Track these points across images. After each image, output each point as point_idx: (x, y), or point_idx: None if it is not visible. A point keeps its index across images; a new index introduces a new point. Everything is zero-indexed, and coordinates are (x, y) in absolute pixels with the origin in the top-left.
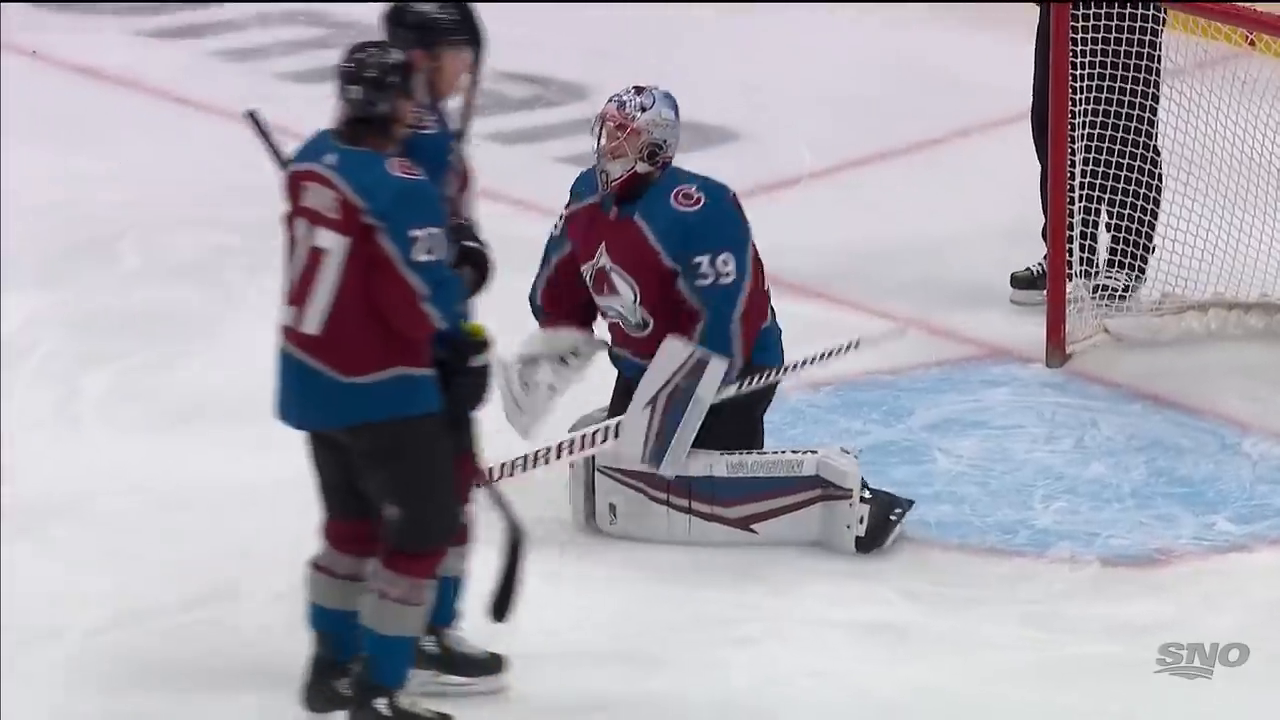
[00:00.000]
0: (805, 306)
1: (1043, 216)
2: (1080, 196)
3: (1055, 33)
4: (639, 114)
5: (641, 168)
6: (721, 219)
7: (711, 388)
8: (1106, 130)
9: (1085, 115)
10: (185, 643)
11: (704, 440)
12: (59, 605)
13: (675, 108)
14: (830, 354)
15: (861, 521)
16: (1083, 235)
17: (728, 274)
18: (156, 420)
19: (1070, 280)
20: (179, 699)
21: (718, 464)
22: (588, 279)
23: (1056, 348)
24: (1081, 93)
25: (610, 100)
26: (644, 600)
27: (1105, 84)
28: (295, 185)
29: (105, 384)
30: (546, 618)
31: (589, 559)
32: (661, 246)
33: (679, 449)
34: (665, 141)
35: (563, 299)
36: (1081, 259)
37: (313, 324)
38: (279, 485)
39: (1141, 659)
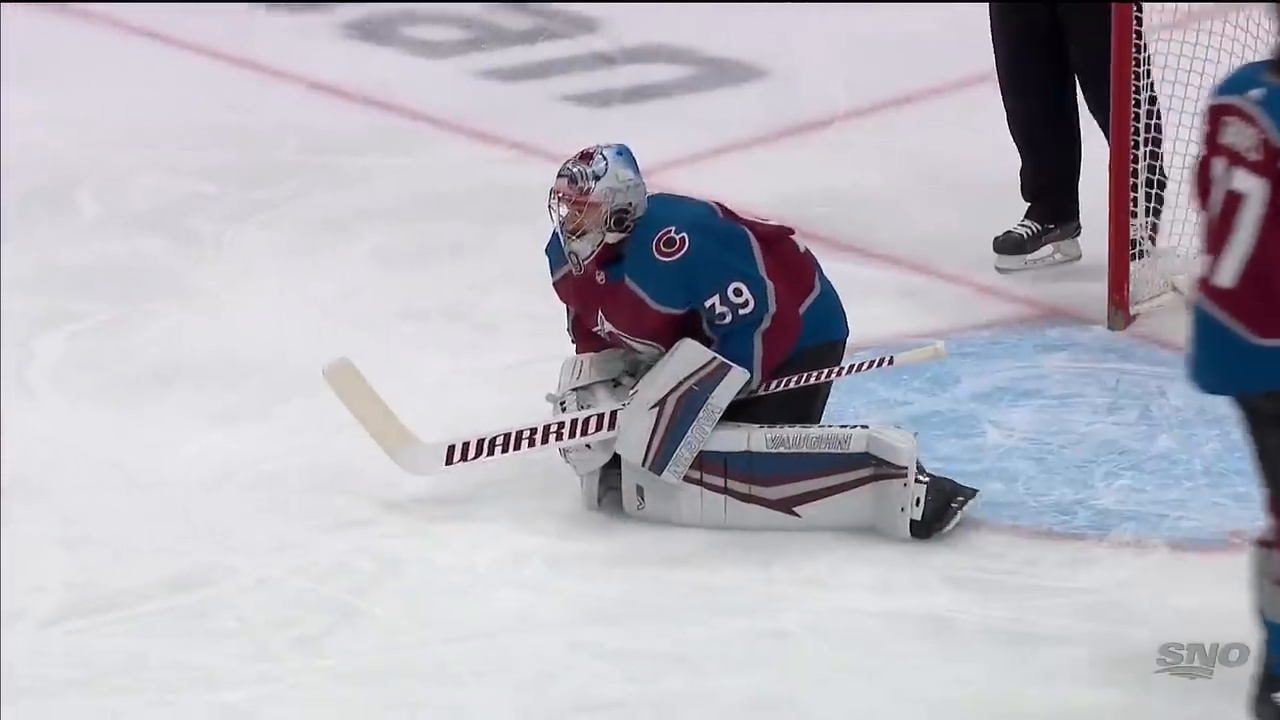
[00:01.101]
0: (839, 262)
1: (1022, 167)
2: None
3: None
4: (593, 184)
5: (612, 237)
6: (711, 253)
7: (728, 396)
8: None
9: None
10: (153, 635)
11: (753, 415)
12: (12, 591)
13: (632, 162)
14: (856, 367)
15: (918, 503)
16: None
17: (745, 303)
18: (120, 388)
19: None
20: (146, 699)
21: (755, 438)
22: (604, 336)
23: (1120, 308)
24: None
25: (559, 175)
26: (660, 590)
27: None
28: (1215, 120)
29: (63, 348)
30: (549, 609)
31: (596, 543)
32: (661, 304)
33: (686, 456)
34: (630, 204)
35: (596, 335)
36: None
37: (1226, 276)
38: (258, 460)
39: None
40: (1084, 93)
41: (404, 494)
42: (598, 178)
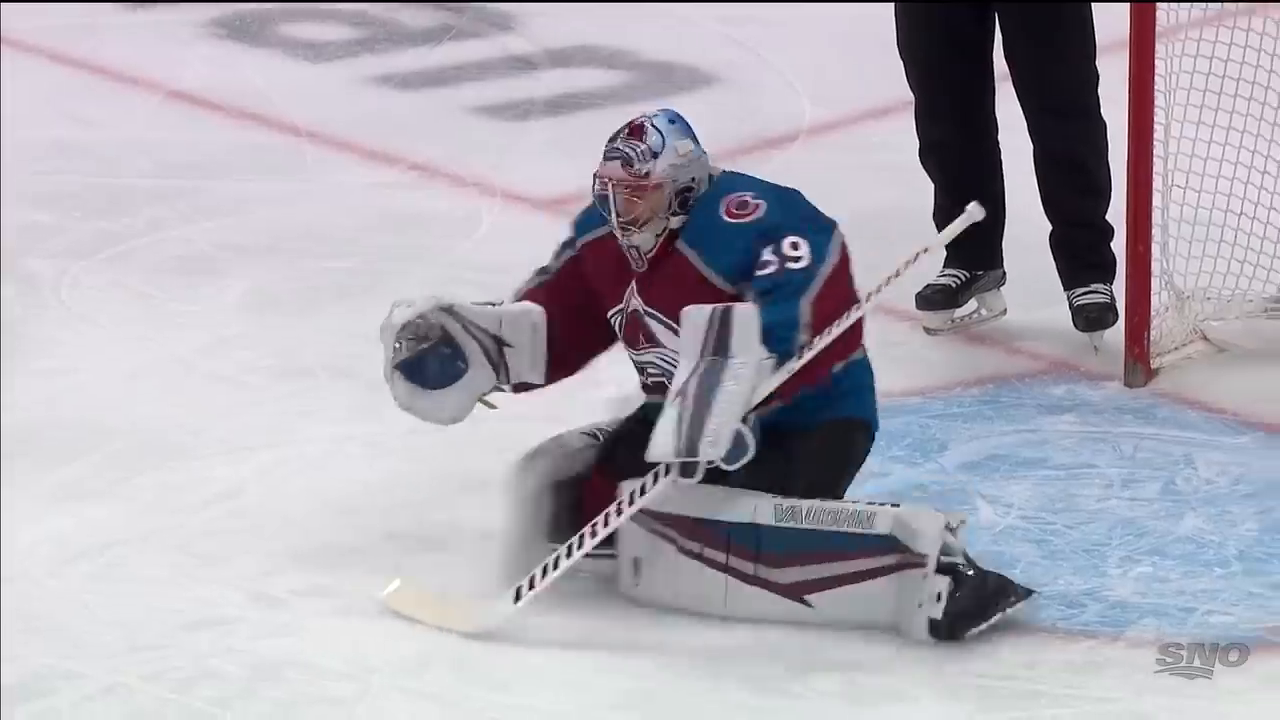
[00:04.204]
0: None
1: (938, 205)
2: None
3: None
4: (651, 164)
5: (676, 221)
6: (787, 209)
7: (749, 341)
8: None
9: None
10: None
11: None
12: None
13: (689, 129)
14: (895, 275)
15: (939, 599)
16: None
17: (797, 258)
18: None
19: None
20: None
21: (763, 508)
22: (617, 329)
23: (1139, 361)
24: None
25: (608, 157)
26: (585, 698)
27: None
28: None
29: None
30: None
31: (510, 642)
32: (713, 267)
33: (719, 426)
34: (695, 180)
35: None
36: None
37: None
38: (105, 544)
39: None
40: (1035, 104)
41: (280, 585)
42: (655, 155)
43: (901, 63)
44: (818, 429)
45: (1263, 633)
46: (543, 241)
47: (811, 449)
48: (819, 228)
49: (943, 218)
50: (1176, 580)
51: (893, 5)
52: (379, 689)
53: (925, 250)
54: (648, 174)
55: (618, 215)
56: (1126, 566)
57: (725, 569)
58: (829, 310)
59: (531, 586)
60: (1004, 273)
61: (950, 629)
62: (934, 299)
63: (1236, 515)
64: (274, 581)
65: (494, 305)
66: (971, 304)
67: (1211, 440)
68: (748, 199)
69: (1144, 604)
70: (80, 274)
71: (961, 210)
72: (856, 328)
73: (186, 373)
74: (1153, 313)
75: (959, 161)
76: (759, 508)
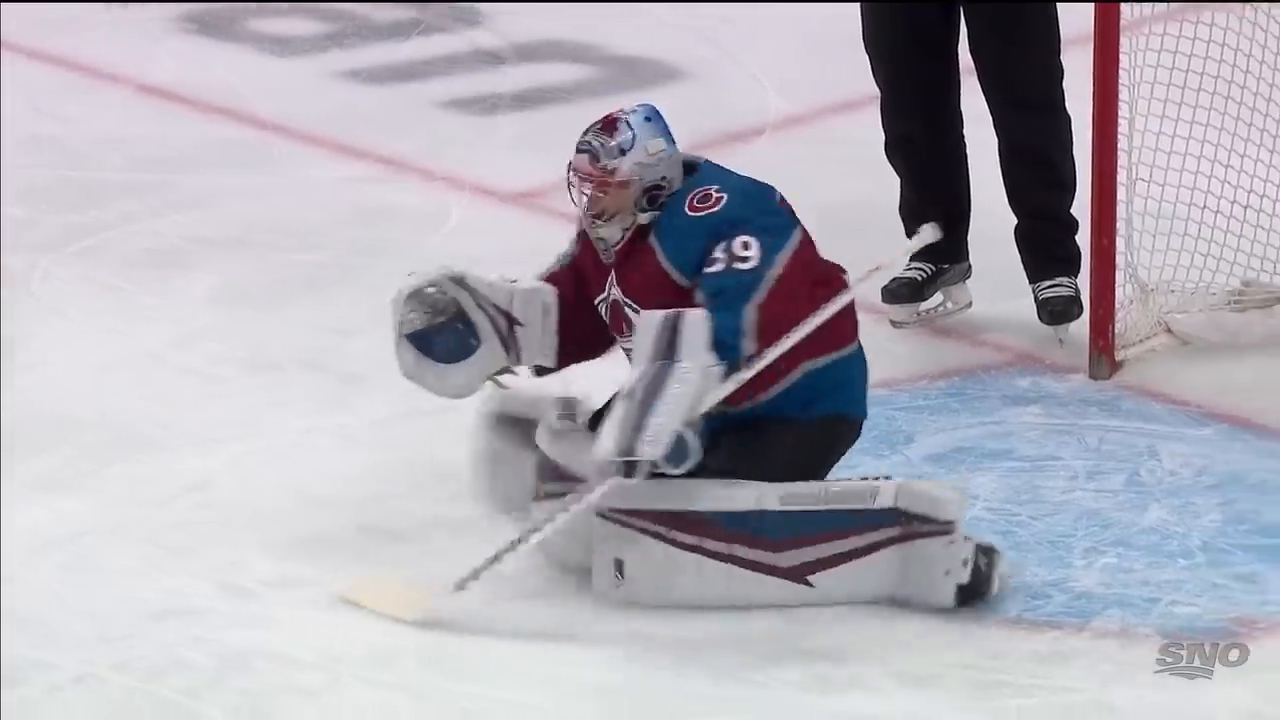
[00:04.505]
0: None
1: (904, 199)
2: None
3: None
4: (619, 161)
5: (645, 217)
6: (748, 204)
7: (696, 347)
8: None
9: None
10: None
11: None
12: None
13: (663, 126)
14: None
15: (965, 564)
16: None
17: (745, 258)
18: None
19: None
20: None
21: (767, 496)
22: (605, 316)
23: (1103, 354)
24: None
25: (578, 149)
26: (551, 692)
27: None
28: None
29: None
30: (419, 714)
31: (479, 637)
32: (671, 261)
33: (660, 425)
34: (664, 179)
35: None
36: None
37: None
38: (75, 535)
39: None
40: (1000, 98)
41: (249, 576)
42: (624, 152)
43: (867, 58)
44: (804, 423)
45: (1226, 623)
46: (512, 235)
47: (791, 443)
48: (777, 227)
49: (909, 212)
50: (1141, 571)
51: (859, 2)
52: (348, 680)
53: (878, 269)
54: (613, 170)
55: (584, 209)
56: (1091, 558)
57: (728, 558)
58: (776, 314)
59: (476, 577)
60: (969, 266)
61: (973, 594)
62: (900, 292)
63: (1200, 507)
64: (243, 572)
65: (511, 282)
66: (937, 297)
67: (1175, 432)
68: (711, 192)
69: (1109, 595)
70: (50, 267)
71: (928, 207)
72: (849, 321)
73: (156, 365)
74: (1117, 306)
75: (924, 156)
76: (763, 496)
